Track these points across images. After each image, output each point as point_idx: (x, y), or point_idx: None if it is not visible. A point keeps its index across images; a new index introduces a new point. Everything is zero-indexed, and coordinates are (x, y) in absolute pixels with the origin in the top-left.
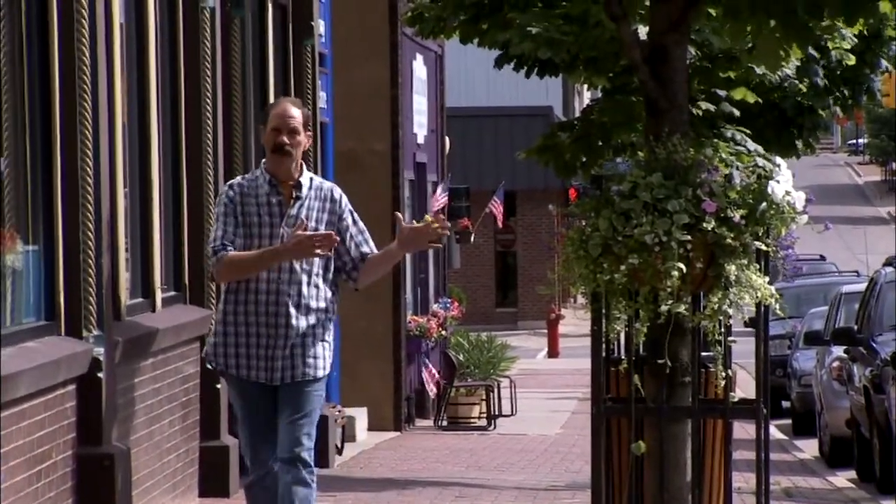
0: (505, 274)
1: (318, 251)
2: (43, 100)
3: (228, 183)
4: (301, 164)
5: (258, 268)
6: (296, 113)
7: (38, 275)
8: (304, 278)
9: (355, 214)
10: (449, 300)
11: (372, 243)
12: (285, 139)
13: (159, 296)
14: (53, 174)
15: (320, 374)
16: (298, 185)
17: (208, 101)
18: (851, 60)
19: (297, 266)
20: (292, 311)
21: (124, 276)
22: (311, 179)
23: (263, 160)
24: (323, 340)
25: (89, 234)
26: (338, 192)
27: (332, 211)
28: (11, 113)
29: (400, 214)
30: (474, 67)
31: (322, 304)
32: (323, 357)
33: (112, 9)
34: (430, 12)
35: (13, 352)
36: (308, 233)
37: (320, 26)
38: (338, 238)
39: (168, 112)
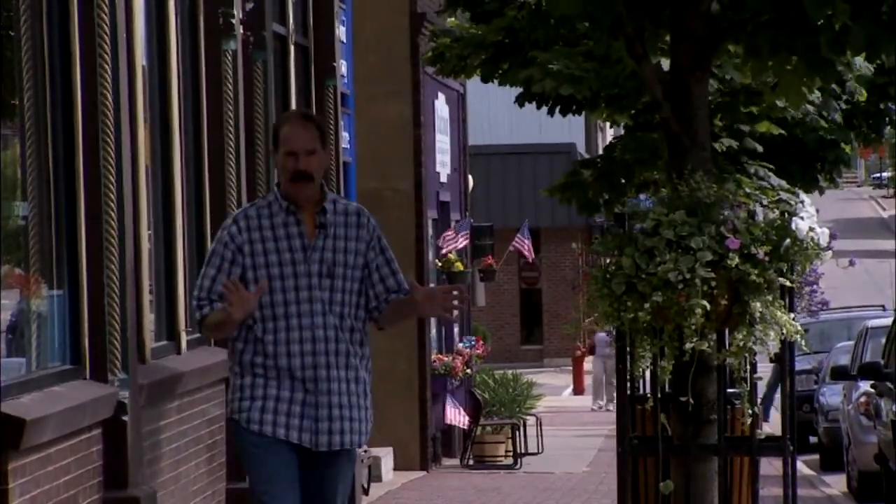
0: (530, 311)
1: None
2: (66, 143)
3: (233, 215)
4: (323, 186)
5: (227, 328)
6: (310, 129)
7: (63, 319)
8: (338, 321)
9: (384, 241)
10: (474, 338)
11: (400, 275)
12: (303, 165)
13: (184, 338)
14: (77, 218)
15: (366, 439)
16: (322, 211)
17: (231, 142)
18: (863, 96)
19: (327, 307)
20: (332, 360)
21: (149, 319)
22: (335, 203)
23: (277, 183)
24: (366, 395)
25: (114, 277)
26: (366, 214)
27: (359, 238)
28: (35, 157)
29: (415, 282)
30: (496, 106)
31: (360, 349)
32: (368, 420)
33: (134, 52)
34: (451, 52)
35: (39, 396)
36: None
37: (342, 66)
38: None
39: (191, 154)
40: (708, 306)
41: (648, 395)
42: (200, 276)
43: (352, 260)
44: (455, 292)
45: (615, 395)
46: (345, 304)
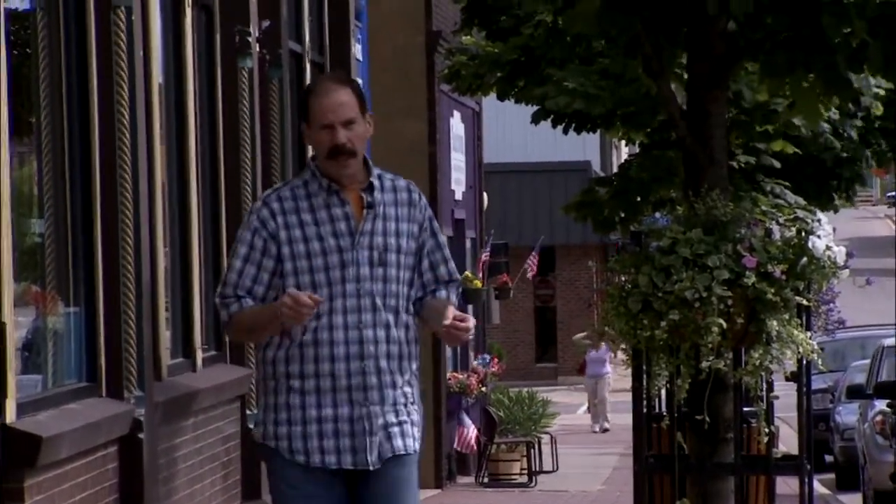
0: (544, 329)
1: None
2: (83, 160)
3: (263, 197)
4: (367, 160)
5: (268, 332)
6: (347, 96)
7: (80, 336)
8: (392, 317)
9: (435, 223)
10: (489, 356)
11: (452, 263)
12: (342, 138)
13: (200, 355)
14: (94, 235)
15: (418, 445)
16: (369, 188)
17: (247, 160)
18: (879, 110)
19: (378, 301)
20: (383, 364)
21: (165, 337)
22: (381, 178)
23: (311, 158)
24: (415, 401)
25: (130, 294)
26: (416, 191)
27: (411, 218)
28: (52, 174)
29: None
30: (512, 123)
31: (412, 350)
32: (420, 424)
33: (151, 69)
34: (467, 69)
35: (55, 413)
36: (304, 295)
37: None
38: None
39: (207, 171)
40: (724, 325)
41: (664, 414)
42: (226, 270)
43: (404, 244)
44: (461, 322)
45: (608, 414)
46: (399, 296)
